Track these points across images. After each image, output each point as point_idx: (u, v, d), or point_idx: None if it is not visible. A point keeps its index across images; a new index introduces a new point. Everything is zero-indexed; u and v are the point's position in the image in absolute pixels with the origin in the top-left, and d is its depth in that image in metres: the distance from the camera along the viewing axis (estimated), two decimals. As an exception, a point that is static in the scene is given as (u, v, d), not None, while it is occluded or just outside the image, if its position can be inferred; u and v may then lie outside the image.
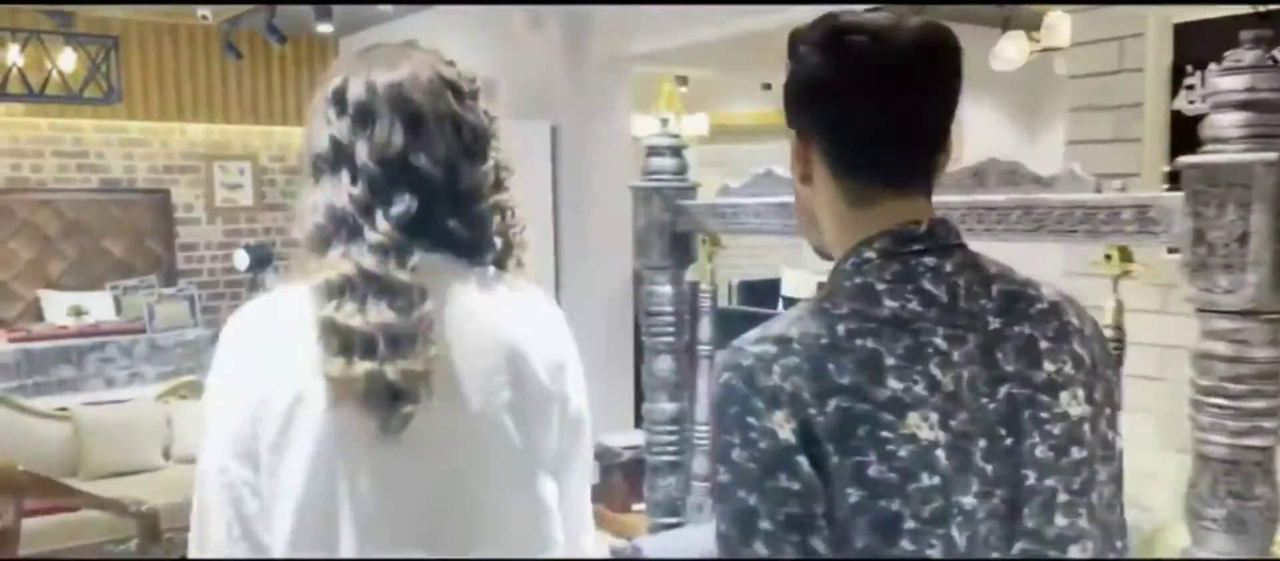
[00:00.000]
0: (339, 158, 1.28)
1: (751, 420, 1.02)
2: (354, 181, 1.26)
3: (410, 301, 1.23)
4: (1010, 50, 5.61)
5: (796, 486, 1.00)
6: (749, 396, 1.02)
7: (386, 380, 1.19)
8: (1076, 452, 1.08)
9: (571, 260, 5.80)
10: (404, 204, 1.27)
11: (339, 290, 1.22)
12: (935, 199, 1.13)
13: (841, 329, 1.04)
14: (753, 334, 1.08)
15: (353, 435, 1.21)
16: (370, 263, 1.23)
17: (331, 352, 1.20)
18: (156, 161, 7.75)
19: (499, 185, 1.37)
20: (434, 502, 1.26)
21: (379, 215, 1.26)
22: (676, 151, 3.23)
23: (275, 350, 1.25)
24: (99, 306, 6.74)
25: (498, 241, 1.37)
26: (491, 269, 1.37)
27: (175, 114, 7.71)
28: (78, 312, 6.44)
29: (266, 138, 8.14)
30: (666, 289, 3.04)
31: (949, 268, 1.09)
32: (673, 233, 3.09)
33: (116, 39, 6.26)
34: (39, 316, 7.09)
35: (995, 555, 1.04)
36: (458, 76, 1.35)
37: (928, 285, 1.07)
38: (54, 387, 5.80)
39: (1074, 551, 1.08)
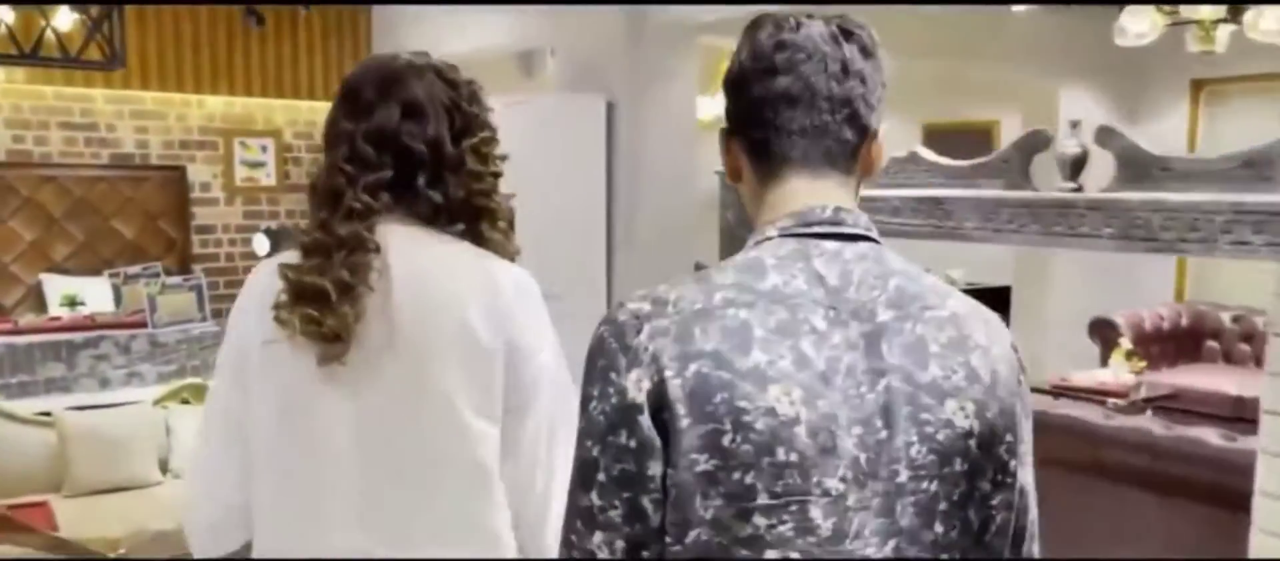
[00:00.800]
0: (337, 140, 1.56)
1: (613, 376, 1.07)
2: (348, 159, 1.53)
3: (364, 260, 1.48)
4: (1139, 24, 4.85)
5: (633, 444, 1.05)
6: (616, 353, 1.07)
7: (319, 325, 1.46)
8: (959, 464, 1.07)
9: (625, 250, 5.15)
10: (379, 175, 1.52)
11: (308, 250, 1.51)
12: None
13: (718, 296, 1.07)
14: (640, 291, 1.12)
15: (301, 371, 1.50)
16: (341, 227, 1.49)
17: (284, 300, 1.48)
18: (172, 136, 7.26)
19: (477, 164, 1.58)
20: (371, 436, 1.51)
21: (360, 186, 1.51)
22: (779, 126, 2.56)
23: (263, 299, 1.52)
24: (98, 295, 6.09)
25: (469, 211, 1.60)
26: (463, 239, 1.60)
27: (192, 85, 7.22)
28: (72, 303, 5.82)
29: (291, 112, 7.66)
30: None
31: (848, 255, 1.11)
32: (773, 231, 2.42)
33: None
34: (41, 303, 6.56)
35: (871, 549, 1.05)
36: (456, 77, 1.62)
37: (819, 266, 1.09)
38: (41, 388, 5.22)
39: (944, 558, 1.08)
